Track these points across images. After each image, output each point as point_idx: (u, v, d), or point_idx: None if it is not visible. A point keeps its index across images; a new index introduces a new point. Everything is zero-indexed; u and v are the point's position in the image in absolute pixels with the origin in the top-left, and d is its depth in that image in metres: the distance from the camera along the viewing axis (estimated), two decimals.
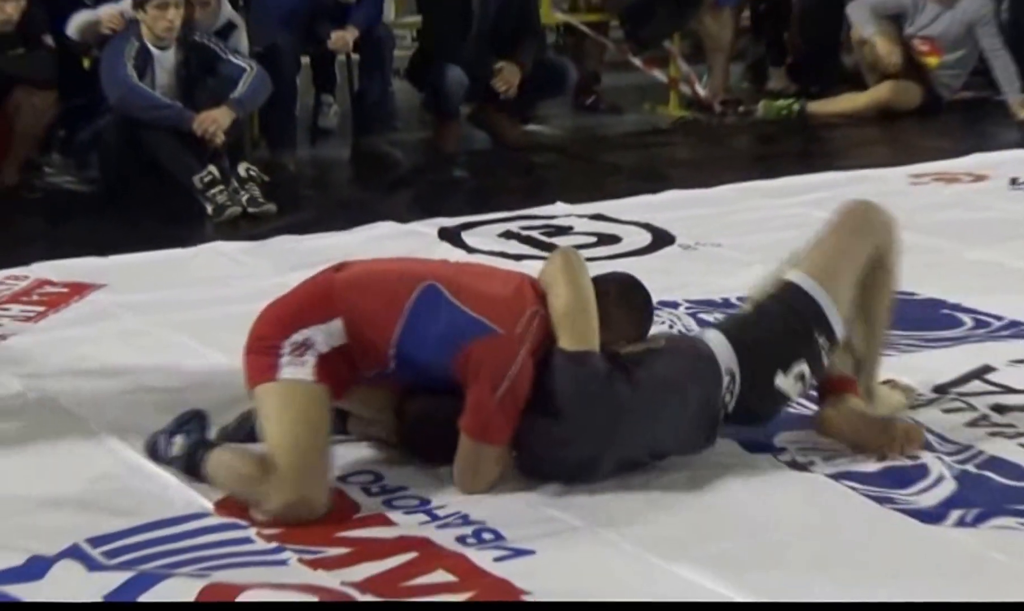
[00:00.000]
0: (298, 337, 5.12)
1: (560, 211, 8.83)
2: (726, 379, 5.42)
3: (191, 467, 5.26)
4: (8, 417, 5.95)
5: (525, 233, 8.34)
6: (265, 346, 5.19)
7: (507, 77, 10.86)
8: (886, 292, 5.79)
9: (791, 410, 5.90)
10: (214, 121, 9.10)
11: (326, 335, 5.11)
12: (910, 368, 6.34)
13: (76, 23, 9.81)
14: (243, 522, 4.98)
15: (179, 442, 5.34)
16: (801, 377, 5.51)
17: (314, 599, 4.51)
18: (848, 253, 5.65)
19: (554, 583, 4.61)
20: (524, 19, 11.17)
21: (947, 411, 5.95)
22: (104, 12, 9.54)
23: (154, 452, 5.42)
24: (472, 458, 5.19)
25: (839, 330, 5.56)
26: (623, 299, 5.43)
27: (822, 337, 5.52)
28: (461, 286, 5.24)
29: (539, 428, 5.25)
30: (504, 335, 5.16)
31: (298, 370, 5.10)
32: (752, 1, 12.94)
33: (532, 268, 5.97)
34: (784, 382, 5.47)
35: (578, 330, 5.26)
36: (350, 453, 5.50)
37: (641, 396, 5.31)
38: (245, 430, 5.51)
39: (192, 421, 5.43)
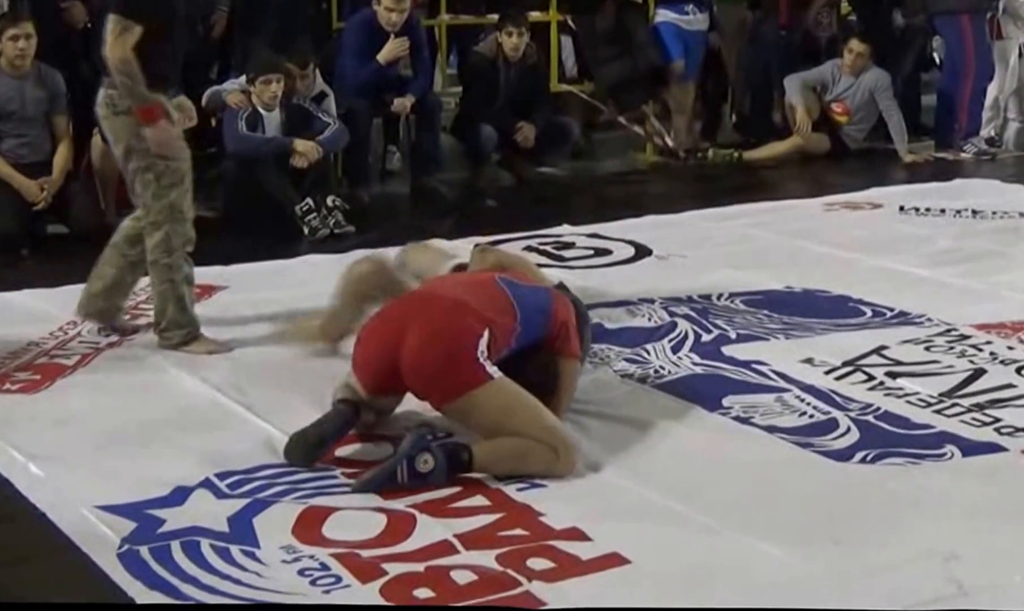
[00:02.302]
0: (481, 345, 4.94)
1: (566, 231, 8.82)
2: None
3: (457, 468, 4.79)
4: (155, 386, 5.96)
5: (541, 247, 8.34)
6: (466, 357, 4.90)
7: (525, 133, 10.88)
8: None
9: (734, 377, 5.93)
10: (304, 155, 9.16)
11: (486, 342, 4.99)
12: (826, 346, 6.35)
13: (205, 97, 9.83)
14: (328, 464, 4.99)
15: (427, 458, 4.73)
16: None
17: (384, 518, 4.53)
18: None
19: (560, 506, 4.62)
20: (537, 90, 11.18)
21: (853, 378, 5.94)
22: (230, 95, 9.50)
23: (392, 480, 4.72)
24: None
25: None
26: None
27: None
28: (510, 272, 5.50)
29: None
30: (554, 291, 5.48)
31: (494, 369, 4.95)
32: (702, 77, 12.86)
33: (547, 273, 6.28)
34: None
35: (545, 280, 5.77)
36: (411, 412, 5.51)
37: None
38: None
39: (423, 438, 4.83)
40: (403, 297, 5.44)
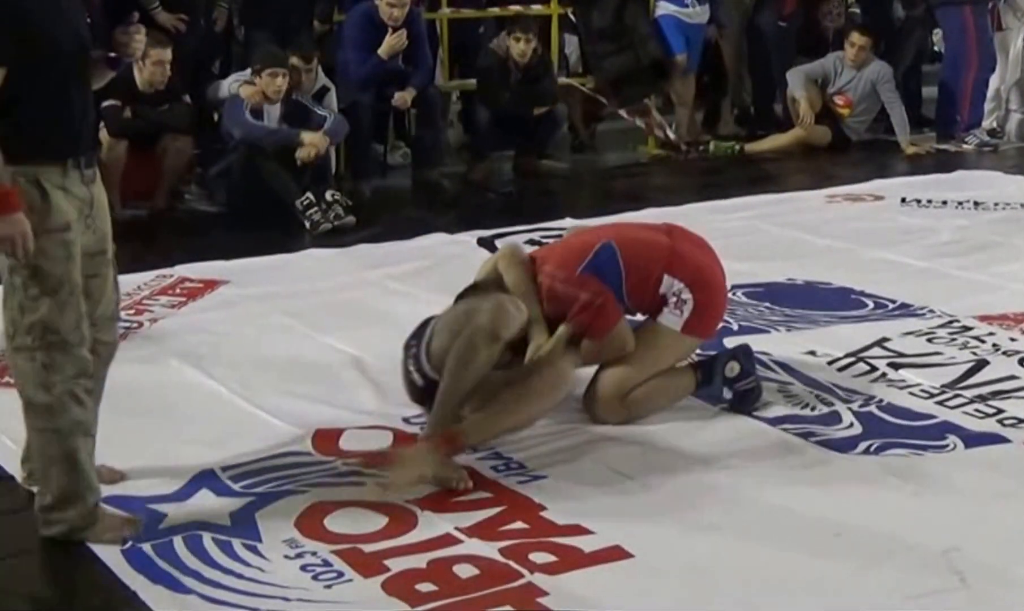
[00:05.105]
0: None
1: (568, 224, 8.79)
2: None
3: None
4: (159, 379, 5.95)
5: (543, 240, 8.29)
6: None
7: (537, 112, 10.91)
8: None
9: None
10: (312, 145, 9.21)
11: None
12: (828, 338, 6.34)
13: (209, 92, 9.85)
14: (331, 456, 5.00)
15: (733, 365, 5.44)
16: None
17: (386, 513, 4.52)
18: None
19: (561, 499, 4.63)
20: (544, 80, 11.14)
21: (856, 370, 5.94)
22: (243, 87, 9.49)
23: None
24: None
25: None
26: None
27: None
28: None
29: None
30: None
31: None
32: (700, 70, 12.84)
33: None
34: None
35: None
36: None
37: None
38: None
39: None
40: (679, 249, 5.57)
